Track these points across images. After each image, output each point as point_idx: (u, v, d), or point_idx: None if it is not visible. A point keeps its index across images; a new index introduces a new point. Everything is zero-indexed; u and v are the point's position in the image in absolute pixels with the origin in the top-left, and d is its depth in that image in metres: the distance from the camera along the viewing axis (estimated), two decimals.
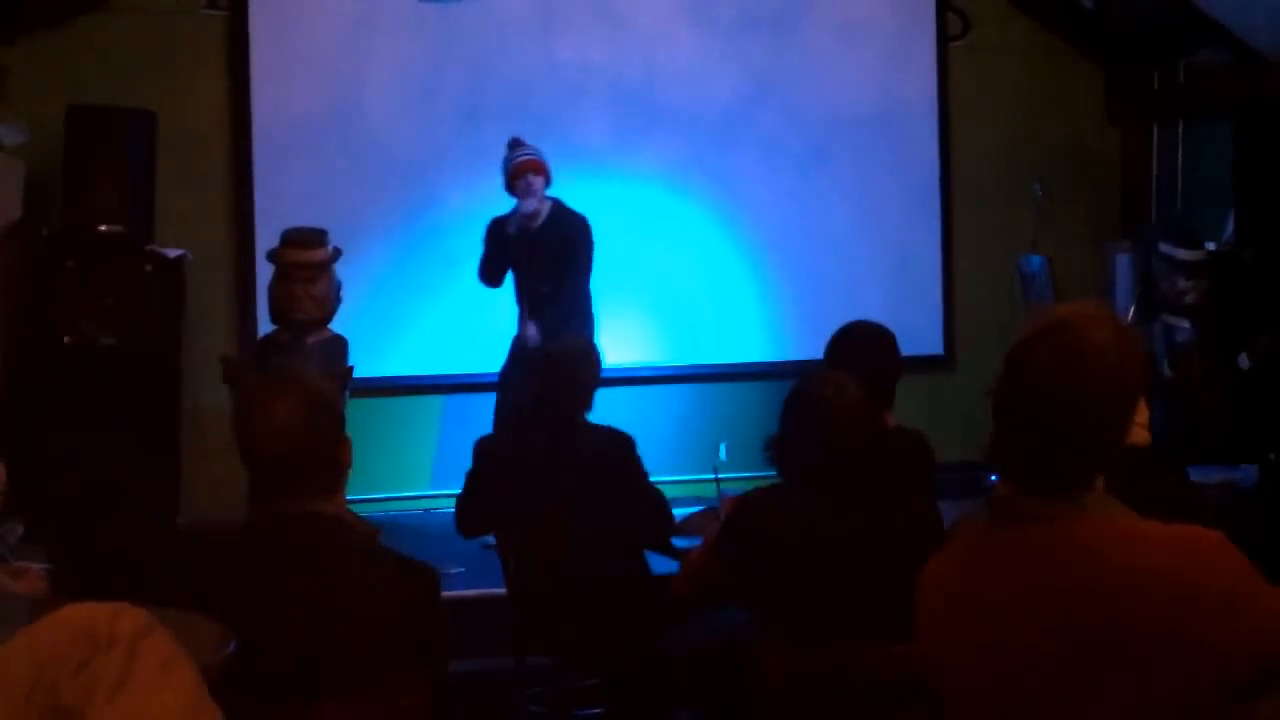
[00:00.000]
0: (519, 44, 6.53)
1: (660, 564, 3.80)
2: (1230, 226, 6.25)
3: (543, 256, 5.50)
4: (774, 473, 3.06)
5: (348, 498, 2.45)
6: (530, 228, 5.51)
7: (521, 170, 5.49)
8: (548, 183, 5.54)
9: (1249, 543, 1.75)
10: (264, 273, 5.55)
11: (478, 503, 3.93)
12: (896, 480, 3.02)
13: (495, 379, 6.22)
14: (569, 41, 6.58)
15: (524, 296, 5.60)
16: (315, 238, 5.11)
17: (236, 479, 2.71)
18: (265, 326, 5.49)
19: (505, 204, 6.53)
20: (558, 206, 5.57)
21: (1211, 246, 5.95)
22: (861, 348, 3.60)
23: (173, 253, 5.73)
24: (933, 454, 3.63)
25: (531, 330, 5.50)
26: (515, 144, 5.61)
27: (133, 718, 1.65)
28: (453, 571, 4.69)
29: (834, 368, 3.41)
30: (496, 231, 5.59)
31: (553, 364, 3.88)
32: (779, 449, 2.96)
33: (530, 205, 5.48)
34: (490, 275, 5.64)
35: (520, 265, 5.57)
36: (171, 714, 1.68)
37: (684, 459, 6.17)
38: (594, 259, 5.58)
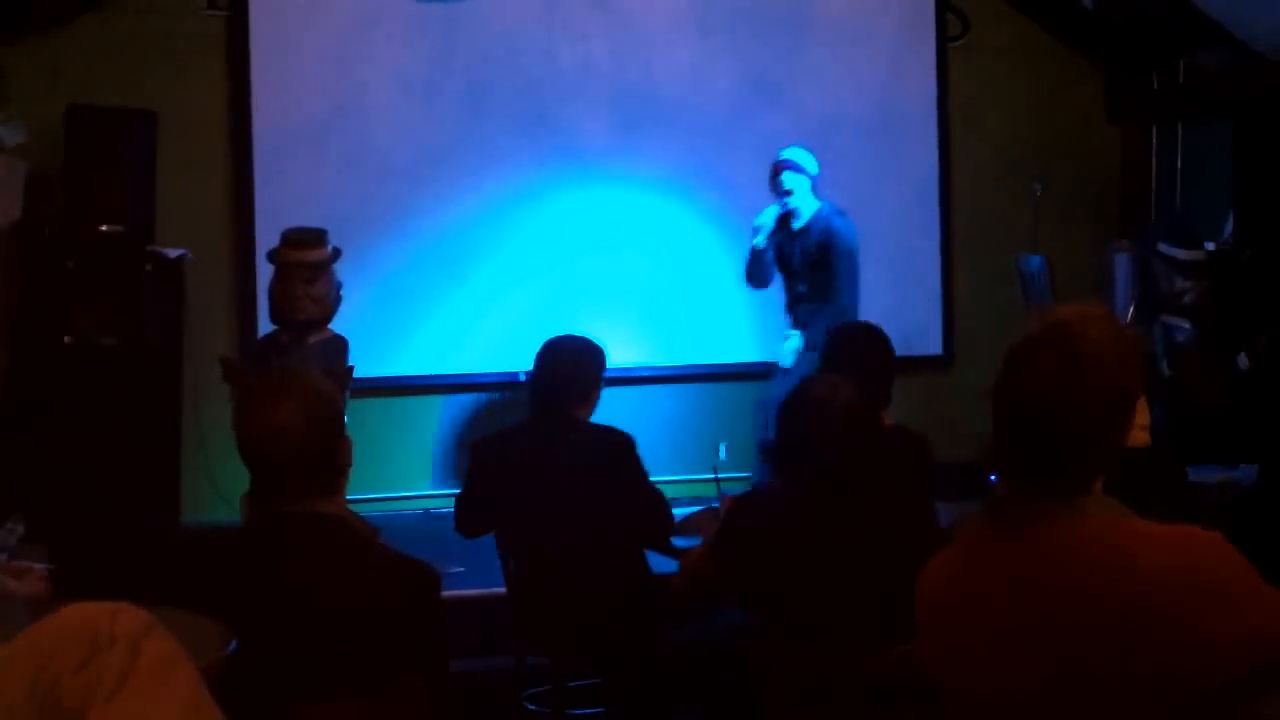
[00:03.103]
0: (519, 44, 6.53)
1: (660, 564, 3.80)
2: (1229, 226, 6.26)
3: (801, 260, 5.53)
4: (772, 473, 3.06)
5: (348, 498, 2.45)
6: (791, 228, 5.53)
7: (774, 169, 5.52)
8: (809, 182, 5.52)
9: (1249, 543, 1.75)
10: (264, 273, 5.55)
11: (478, 503, 3.93)
12: (894, 480, 3.02)
13: (495, 379, 6.23)
14: (569, 41, 6.58)
15: (786, 298, 5.65)
16: (315, 238, 5.11)
17: (236, 479, 2.71)
18: (265, 326, 5.49)
19: (500, 204, 6.55)
20: (824, 211, 5.55)
21: (1211, 246, 5.95)
22: (856, 348, 3.61)
23: (173, 253, 5.73)
24: (930, 454, 3.63)
25: (795, 343, 5.49)
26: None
27: (133, 717, 1.65)
28: (453, 571, 4.69)
29: (829, 369, 3.42)
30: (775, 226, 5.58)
31: (556, 360, 3.87)
32: (776, 450, 2.96)
33: (783, 199, 5.49)
34: (752, 272, 5.62)
35: (782, 266, 5.62)
36: (171, 714, 1.68)
37: (684, 459, 6.17)
38: (853, 270, 5.55)
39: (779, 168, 5.52)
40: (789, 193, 5.48)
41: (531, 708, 4.02)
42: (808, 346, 5.39)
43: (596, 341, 3.97)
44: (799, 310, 5.58)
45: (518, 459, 3.81)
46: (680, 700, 3.58)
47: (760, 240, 5.52)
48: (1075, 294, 6.35)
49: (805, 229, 5.51)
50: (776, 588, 2.80)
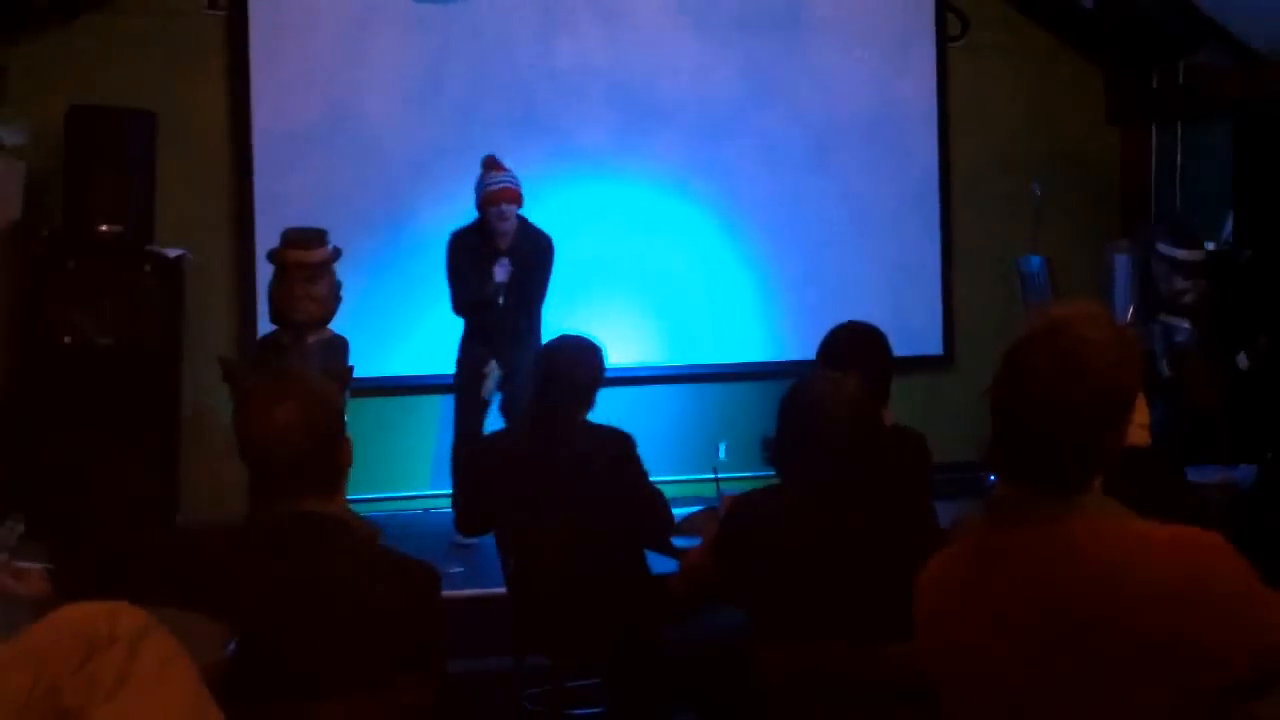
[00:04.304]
0: (519, 44, 6.53)
1: (660, 564, 3.80)
2: (1229, 226, 6.25)
3: (512, 277, 5.45)
4: (772, 472, 3.06)
5: (348, 498, 2.46)
6: (499, 248, 5.48)
7: (497, 199, 5.42)
8: (519, 207, 5.49)
9: (1249, 543, 1.75)
10: (264, 273, 5.55)
11: (478, 502, 3.93)
12: (893, 479, 3.01)
13: None
14: (569, 42, 6.58)
15: (484, 320, 5.54)
16: (315, 238, 5.11)
17: (236, 479, 2.71)
18: (265, 326, 5.49)
19: None
20: (523, 227, 5.53)
21: (1210, 246, 5.95)
22: (853, 347, 3.61)
23: (173, 253, 5.73)
24: (929, 453, 3.63)
25: (491, 368, 5.49)
26: (491, 165, 5.54)
27: (133, 717, 1.65)
28: (453, 571, 4.69)
29: (827, 368, 3.41)
30: (472, 249, 5.48)
31: (555, 360, 3.88)
32: (777, 448, 2.96)
33: (505, 230, 5.44)
34: (475, 298, 5.48)
35: (485, 286, 5.47)
36: (171, 713, 1.68)
37: (684, 459, 6.17)
38: (552, 276, 5.57)
39: (500, 196, 5.38)
40: (509, 224, 5.41)
41: (531, 708, 4.02)
42: (513, 369, 5.37)
43: (595, 341, 3.97)
44: (499, 332, 5.47)
45: (517, 458, 3.81)
46: (680, 700, 3.58)
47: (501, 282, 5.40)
48: (1075, 294, 6.35)
49: (513, 246, 5.45)
50: (776, 588, 2.80)
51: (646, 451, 3.86)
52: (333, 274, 5.14)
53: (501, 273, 5.38)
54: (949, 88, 6.97)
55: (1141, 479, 2.09)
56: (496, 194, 5.43)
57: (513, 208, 5.45)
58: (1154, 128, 7.13)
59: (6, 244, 5.61)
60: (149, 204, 5.68)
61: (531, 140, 6.48)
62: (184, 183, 6.09)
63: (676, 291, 6.66)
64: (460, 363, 5.62)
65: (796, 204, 6.80)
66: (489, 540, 4.00)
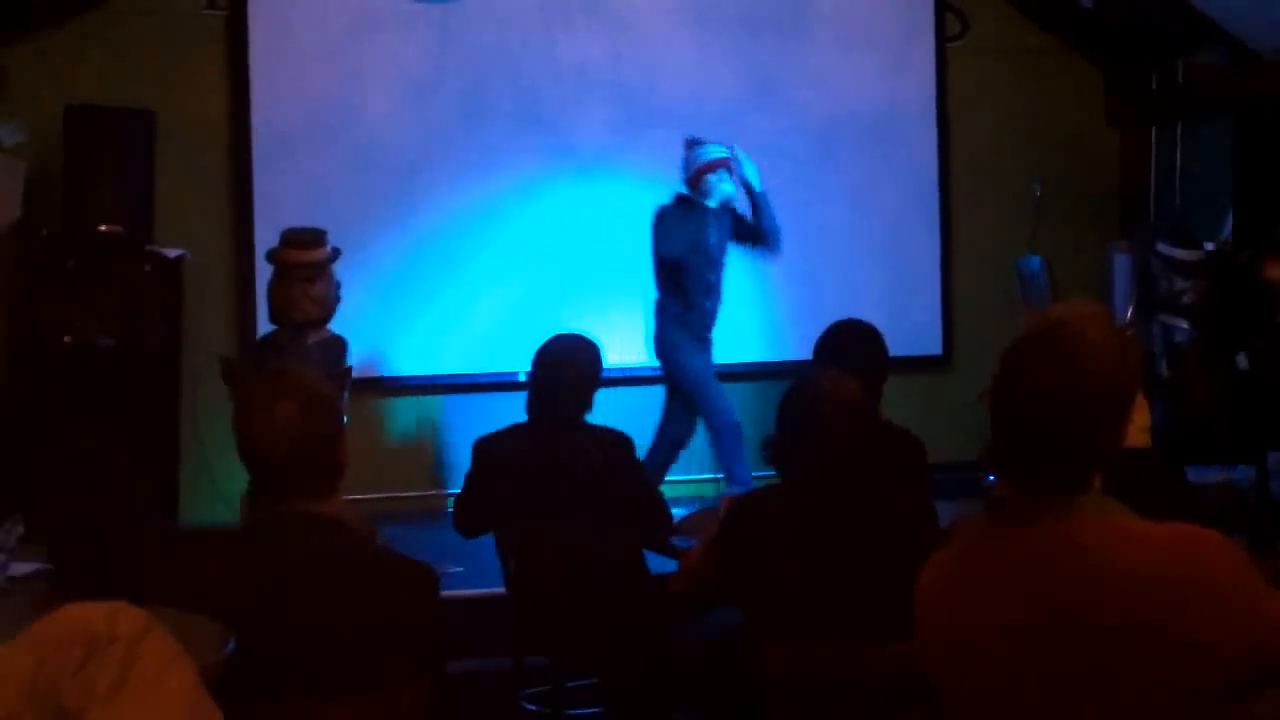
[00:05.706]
0: (519, 43, 6.53)
1: (660, 564, 3.80)
2: (1229, 226, 6.26)
3: (721, 245, 5.69)
4: (772, 472, 3.06)
5: (348, 498, 2.46)
6: (714, 207, 5.63)
7: (715, 165, 5.60)
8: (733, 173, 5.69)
9: (1248, 543, 1.76)
10: (264, 273, 5.55)
11: (477, 503, 3.93)
12: (891, 477, 3.02)
13: (495, 379, 6.22)
14: (569, 41, 6.57)
15: (697, 297, 5.66)
16: (315, 238, 5.11)
17: (236, 479, 2.71)
18: (265, 326, 5.49)
19: (499, 203, 6.52)
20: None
21: (1210, 246, 5.95)
22: (849, 345, 3.62)
23: (173, 253, 5.73)
24: (924, 450, 3.64)
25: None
26: (694, 143, 5.70)
27: (132, 718, 1.65)
28: (452, 571, 4.69)
29: (822, 364, 3.42)
30: (680, 216, 5.59)
31: (548, 354, 3.87)
32: (776, 448, 2.96)
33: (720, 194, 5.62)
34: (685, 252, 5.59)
35: (694, 261, 5.62)
36: (171, 714, 1.68)
37: (684, 459, 6.16)
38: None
39: (719, 163, 5.58)
40: (725, 186, 5.58)
41: (530, 708, 4.02)
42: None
43: (594, 340, 3.97)
44: (707, 313, 5.67)
45: (517, 459, 3.81)
46: (680, 700, 3.58)
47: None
48: (1074, 294, 6.35)
49: (720, 208, 5.61)
50: (775, 587, 2.80)
51: (646, 451, 3.86)
52: (332, 274, 5.14)
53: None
54: (949, 88, 6.97)
55: (1141, 479, 2.09)
56: (715, 161, 5.60)
57: (728, 175, 5.61)
58: (1154, 128, 7.13)
59: (6, 244, 5.61)
60: (149, 204, 5.68)
61: (531, 139, 6.49)
62: (184, 183, 6.09)
63: None
64: (684, 357, 5.68)
65: (796, 204, 6.77)
66: (489, 540, 3.99)
